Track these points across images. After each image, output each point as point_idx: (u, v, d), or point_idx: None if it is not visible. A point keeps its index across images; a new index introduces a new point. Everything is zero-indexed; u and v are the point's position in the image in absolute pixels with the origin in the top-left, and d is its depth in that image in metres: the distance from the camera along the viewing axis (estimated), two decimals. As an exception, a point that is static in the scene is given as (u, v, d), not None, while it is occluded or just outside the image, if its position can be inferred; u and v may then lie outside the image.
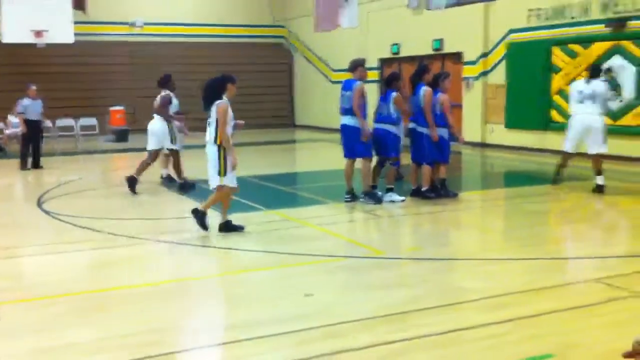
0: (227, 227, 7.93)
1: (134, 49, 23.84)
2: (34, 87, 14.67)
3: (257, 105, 24.93)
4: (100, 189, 12.15)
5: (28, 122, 14.39)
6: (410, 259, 6.71)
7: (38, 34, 19.69)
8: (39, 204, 10.13)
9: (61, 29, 19.95)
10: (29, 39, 19.73)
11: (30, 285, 6.20)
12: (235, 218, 8.82)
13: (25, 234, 8.30)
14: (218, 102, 7.60)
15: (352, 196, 9.67)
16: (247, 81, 24.85)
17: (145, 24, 24.32)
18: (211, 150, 7.67)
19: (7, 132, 18.23)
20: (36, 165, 14.65)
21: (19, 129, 17.88)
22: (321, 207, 9.75)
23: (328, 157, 17.01)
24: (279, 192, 11.31)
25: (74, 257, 7.25)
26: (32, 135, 14.52)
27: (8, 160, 16.17)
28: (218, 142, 7.59)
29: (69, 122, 20.57)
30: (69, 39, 20.22)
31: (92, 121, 21.20)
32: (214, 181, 7.74)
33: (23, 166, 14.49)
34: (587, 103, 10.11)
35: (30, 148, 14.57)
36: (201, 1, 25.27)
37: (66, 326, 4.95)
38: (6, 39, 19.55)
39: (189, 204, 9.83)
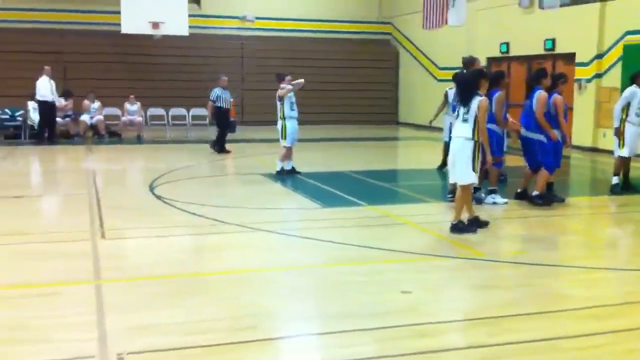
0: (478, 223, 7.92)
1: (244, 43, 24.46)
2: (225, 78, 16.03)
3: (361, 101, 25.07)
4: (208, 177, 12.61)
5: (218, 110, 15.56)
6: (510, 263, 6.62)
7: (155, 25, 20.56)
8: (151, 188, 10.64)
9: (176, 22, 20.75)
10: (146, 30, 20.64)
11: (133, 265, 6.53)
12: (336, 213, 8.98)
13: (136, 217, 8.74)
14: (480, 98, 7.64)
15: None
16: (353, 77, 25.12)
17: (257, 18, 24.88)
18: (466, 146, 7.62)
19: (124, 119, 19.14)
20: (222, 150, 15.76)
21: (137, 118, 18.83)
22: (422, 205, 9.74)
23: (430, 155, 16.90)
24: (380, 188, 11.37)
25: (178, 241, 7.60)
26: (221, 122, 15.76)
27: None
28: (475, 138, 7.59)
29: (181, 111, 21.36)
30: (184, 31, 21.00)
31: (203, 112, 21.92)
32: (468, 178, 7.68)
33: (222, 149, 15.71)
34: None
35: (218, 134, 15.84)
36: (309, -3, 25.59)
37: (165, 306, 5.20)
38: (125, 29, 20.51)
39: (293, 196, 10.06)
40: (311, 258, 6.91)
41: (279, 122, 12.03)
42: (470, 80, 7.79)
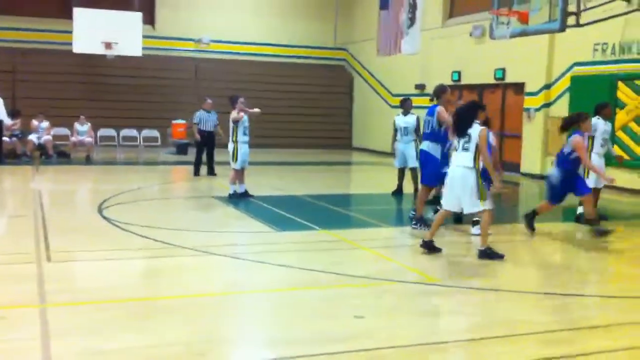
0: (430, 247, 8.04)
1: (198, 65, 24.37)
2: (209, 101, 15.84)
3: (315, 125, 25.17)
4: (159, 199, 12.43)
5: (202, 133, 15.44)
6: (464, 288, 6.65)
7: (108, 45, 20.35)
8: (100, 210, 10.42)
9: (130, 42, 20.59)
10: (99, 50, 20.40)
11: (81, 289, 6.35)
12: (290, 237, 8.93)
13: (83, 239, 8.52)
14: (479, 128, 7.76)
15: (422, 223, 9.52)
16: (307, 102, 25.23)
17: (212, 41, 24.84)
18: (468, 175, 7.68)
19: (73, 139, 18.79)
20: (211, 172, 15.58)
21: (87, 138, 18.50)
22: (376, 229, 9.75)
23: (385, 180, 17.00)
24: (334, 212, 11.36)
25: (128, 264, 7.43)
26: (206, 144, 15.51)
27: (178, 166, 17.42)
28: (477, 166, 7.68)
29: (132, 132, 21.10)
30: (137, 52, 20.83)
31: (154, 133, 21.69)
32: (474, 207, 7.77)
33: (196, 173, 15.54)
34: None
35: (204, 157, 15.61)
36: (265, 21, 25.67)
37: (115, 331, 5.06)
38: (77, 49, 20.24)
39: (246, 219, 9.99)
40: (264, 283, 6.82)
41: (230, 145, 11.99)
42: (466, 112, 7.94)
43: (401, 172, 13.15)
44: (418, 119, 12.78)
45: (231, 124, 11.96)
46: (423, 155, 9.69)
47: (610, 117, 10.53)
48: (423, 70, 21.44)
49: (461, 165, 7.76)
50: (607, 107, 10.80)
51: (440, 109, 9.45)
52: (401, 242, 9.23)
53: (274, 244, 8.58)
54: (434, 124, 9.46)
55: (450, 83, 20.44)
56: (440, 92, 9.71)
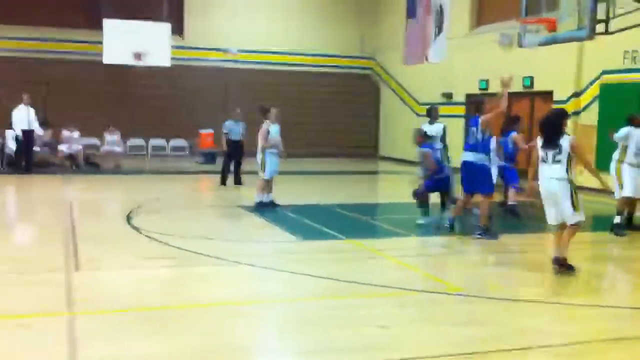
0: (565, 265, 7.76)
1: (226, 75, 24.56)
2: (238, 110, 15.89)
3: (342, 134, 25.20)
4: (186, 208, 12.54)
5: (230, 142, 15.47)
6: (488, 298, 6.61)
7: (137, 56, 20.58)
8: (128, 219, 10.54)
9: (159, 53, 20.78)
10: (129, 60, 20.65)
11: (108, 297, 6.41)
12: (315, 246, 8.95)
13: (111, 248, 8.63)
14: (569, 137, 7.77)
15: (488, 233, 9.56)
16: (334, 110, 25.27)
17: (239, 51, 25.03)
18: (564, 187, 7.65)
19: (103, 149, 19.04)
20: (238, 182, 15.64)
21: (116, 148, 18.73)
22: (400, 239, 9.73)
23: (409, 189, 16.95)
24: (359, 221, 11.35)
25: (154, 273, 7.50)
26: (233, 154, 15.55)
27: (205, 175, 17.81)
28: (570, 177, 7.68)
29: (161, 142, 21.31)
30: (166, 62, 21.04)
31: (183, 142, 21.89)
32: (575, 217, 7.66)
33: (223, 182, 15.56)
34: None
35: (232, 166, 15.65)
36: (292, 31, 25.82)
37: (138, 339, 5.13)
38: (107, 60, 20.51)
39: (271, 228, 10.03)
40: (288, 292, 6.85)
41: (259, 155, 12.04)
42: (555, 120, 7.88)
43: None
44: (445, 128, 12.73)
45: (260, 137, 11.98)
46: (469, 166, 9.80)
47: None
48: (450, 78, 21.36)
49: (555, 178, 7.71)
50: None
51: (483, 116, 9.79)
52: (426, 251, 9.19)
53: (298, 253, 8.61)
54: (478, 134, 9.68)
55: (478, 92, 20.37)
56: (481, 104, 10.11)
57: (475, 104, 10.09)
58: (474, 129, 9.78)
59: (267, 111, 12.10)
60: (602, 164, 16.25)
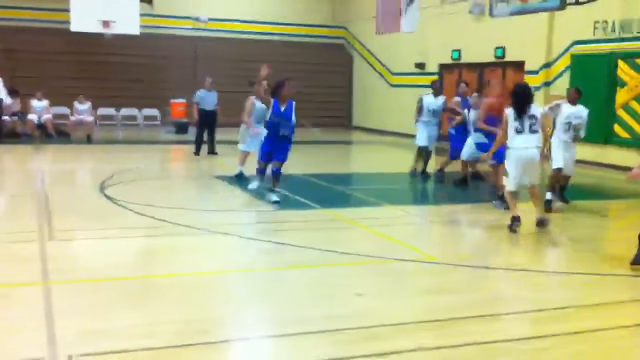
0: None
1: (197, 44, 24.28)
2: (210, 80, 15.67)
3: (315, 105, 25.06)
4: (160, 179, 12.48)
5: (202, 112, 15.39)
6: (460, 266, 6.72)
7: (105, 24, 20.24)
8: (101, 189, 10.46)
9: (128, 21, 20.46)
10: (97, 28, 20.30)
11: (83, 267, 6.41)
12: (289, 215, 9.00)
13: (85, 218, 8.58)
14: (540, 107, 8.37)
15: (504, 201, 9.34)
16: (306, 81, 25.06)
17: (210, 19, 24.72)
18: (537, 155, 8.27)
19: (73, 118, 18.79)
20: (211, 151, 15.55)
21: (87, 118, 18.50)
22: (374, 208, 9.81)
23: (383, 159, 17.06)
24: (333, 191, 11.41)
25: (129, 243, 7.49)
26: (207, 124, 15.46)
27: (178, 146, 17.68)
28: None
29: (132, 111, 21.09)
30: (135, 30, 20.73)
31: (154, 112, 21.68)
32: (537, 180, 8.54)
33: (197, 152, 15.45)
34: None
35: (205, 136, 15.53)
36: (264, 0, 25.54)
37: (116, 309, 5.14)
38: (74, 28, 20.14)
39: (245, 197, 10.04)
40: (263, 261, 6.90)
41: (242, 127, 12.01)
42: (529, 93, 8.32)
43: (426, 153, 12.97)
44: (446, 102, 12.80)
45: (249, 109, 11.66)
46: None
47: (574, 102, 10.24)
48: (423, 49, 21.38)
49: (535, 146, 8.18)
50: (572, 91, 10.34)
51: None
52: (401, 221, 9.28)
53: (273, 223, 8.65)
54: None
55: (450, 61, 20.43)
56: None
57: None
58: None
59: (253, 84, 11.86)
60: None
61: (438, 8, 20.77)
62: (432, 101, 12.74)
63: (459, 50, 20.10)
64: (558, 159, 10.05)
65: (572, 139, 10.11)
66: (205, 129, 15.49)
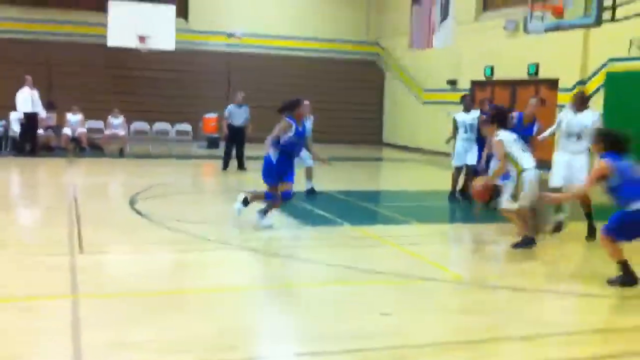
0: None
1: (230, 59, 24.47)
2: (241, 95, 15.85)
3: (346, 121, 25.12)
4: (189, 193, 12.54)
5: (231, 127, 15.49)
6: (490, 287, 6.61)
7: (142, 39, 20.53)
8: (132, 203, 10.54)
9: (164, 37, 20.73)
10: (133, 43, 20.59)
11: (112, 281, 6.45)
12: (318, 232, 8.96)
13: (115, 232, 8.64)
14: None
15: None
16: (338, 96, 25.15)
17: (244, 35, 24.92)
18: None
19: (107, 132, 19.02)
20: (240, 166, 15.63)
21: (120, 132, 18.72)
22: (404, 226, 9.71)
23: (413, 176, 16.95)
24: (363, 208, 11.35)
25: (158, 257, 7.52)
26: (236, 139, 15.54)
27: (209, 161, 17.84)
28: None
29: (165, 126, 21.29)
30: (170, 46, 20.99)
31: (187, 127, 21.86)
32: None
33: (225, 167, 15.51)
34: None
35: (234, 152, 15.60)
36: (297, 16, 25.67)
37: (145, 322, 5.14)
38: (112, 43, 20.46)
39: (275, 214, 10.01)
40: (292, 278, 6.86)
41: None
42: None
43: (458, 172, 12.38)
44: (479, 116, 12.40)
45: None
46: None
47: (580, 108, 9.15)
48: (455, 65, 21.29)
49: (532, 167, 8.07)
50: (576, 96, 9.41)
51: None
52: (429, 239, 9.18)
53: (302, 240, 8.64)
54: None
55: (483, 79, 20.29)
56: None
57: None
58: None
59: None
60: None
61: (472, 24, 20.69)
62: (466, 116, 12.46)
63: (491, 67, 19.96)
64: (556, 176, 9.14)
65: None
66: (234, 144, 15.54)
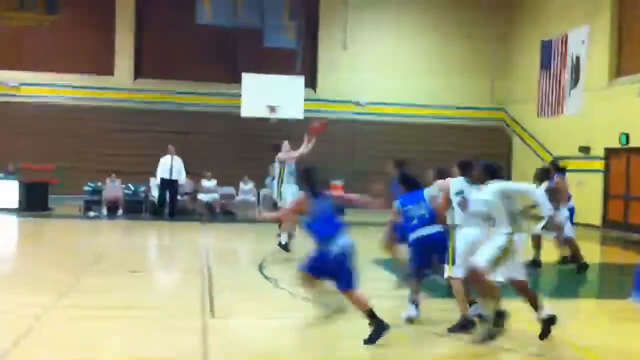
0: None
1: (354, 126, 24.93)
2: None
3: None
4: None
5: None
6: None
7: (272, 109, 21.39)
8: (260, 268, 10.84)
9: (293, 106, 21.49)
10: (264, 113, 21.49)
11: (241, 345, 6.60)
12: (437, 304, 8.78)
13: (244, 297, 8.89)
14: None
15: None
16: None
17: (367, 103, 25.37)
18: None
19: (238, 198, 19.75)
20: None
21: (250, 198, 19.36)
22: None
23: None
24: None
25: (287, 324, 7.65)
26: None
27: None
28: None
29: (292, 192, 21.86)
30: (299, 115, 21.70)
31: (314, 193, 22.29)
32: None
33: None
34: None
35: None
36: (420, 83, 25.78)
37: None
38: (245, 113, 21.44)
39: (392, 282, 9.90)
40: (418, 350, 6.74)
41: None
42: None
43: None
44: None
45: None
46: None
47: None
48: (587, 131, 20.60)
49: None
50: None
51: None
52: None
53: (423, 312, 8.46)
54: None
55: (618, 146, 19.46)
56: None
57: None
58: None
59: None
60: None
61: (604, 90, 20.04)
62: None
63: (627, 134, 19.14)
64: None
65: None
66: None
